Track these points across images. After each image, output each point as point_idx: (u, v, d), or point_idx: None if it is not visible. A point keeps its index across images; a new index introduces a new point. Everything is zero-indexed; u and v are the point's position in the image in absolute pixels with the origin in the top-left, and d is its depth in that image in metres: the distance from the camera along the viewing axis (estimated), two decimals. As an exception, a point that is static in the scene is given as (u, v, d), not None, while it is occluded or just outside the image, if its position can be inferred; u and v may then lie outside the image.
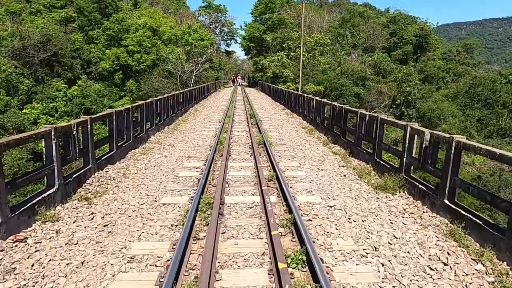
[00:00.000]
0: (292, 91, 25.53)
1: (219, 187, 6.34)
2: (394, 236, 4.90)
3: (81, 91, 40.09)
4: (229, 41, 70.92)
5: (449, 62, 63.68)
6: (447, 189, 5.88)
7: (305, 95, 19.14)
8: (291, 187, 6.83)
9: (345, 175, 8.25)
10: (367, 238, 4.77)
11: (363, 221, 5.37)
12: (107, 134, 9.18)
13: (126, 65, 43.99)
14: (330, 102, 13.69)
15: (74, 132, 6.95)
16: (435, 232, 5.30)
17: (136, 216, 5.50)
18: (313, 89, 40.35)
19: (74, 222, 5.54)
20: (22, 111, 36.47)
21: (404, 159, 7.39)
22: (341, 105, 12.24)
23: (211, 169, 7.88)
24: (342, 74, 46.11)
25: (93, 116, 7.83)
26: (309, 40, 45.99)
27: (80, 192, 6.91)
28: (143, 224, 5.15)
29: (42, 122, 36.03)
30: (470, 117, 45.46)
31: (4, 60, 37.83)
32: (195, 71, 43.27)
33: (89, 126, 7.56)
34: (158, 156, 9.86)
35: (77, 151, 7.07)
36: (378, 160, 8.73)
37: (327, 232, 4.87)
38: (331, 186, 7.20)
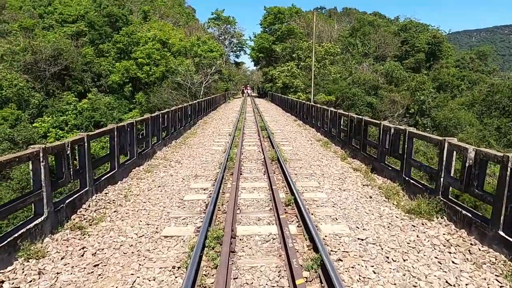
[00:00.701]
0: (303, 101, 24.73)
1: (230, 214, 5.50)
2: (447, 282, 3.95)
3: (91, 104, 40.11)
4: (238, 52, 70.90)
5: (462, 70, 62.17)
6: (502, 218, 4.91)
7: (318, 105, 18.30)
8: (312, 214, 5.93)
9: (371, 197, 7.32)
10: (415, 287, 3.83)
11: (404, 260, 4.43)
12: (108, 152, 8.47)
13: (136, 77, 44.01)
14: (347, 113, 12.80)
15: (68, 152, 6.23)
16: (493, 273, 4.33)
17: (133, 253, 4.67)
18: (324, 99, 39.50)
19: (62, 259, 4.75)
20: (33, 125, 36.55)
21: (441, 179, 6.43)
22: (360, 117, 11.34)
23: (220, 190, 7.04)
24: (354, 83, 45.18)
25: (90, 133, 7.12)
26: (319, 49, 45.35)
27: (74, 219, 6.15)
28: (140, 265, 4.31)
29: (52, 135, 36.01)
30: (488, 126, 43.90)
31: (16, 75, 38.18)
32: (204, 83, 42.95)
33: (86, 144, 6.84)
34: (163, 174, 9.09)
35: (71, 172, 6.34)
36: (407, 178, 7.78)
37: (364, 278, 3.95)
38: (358, 211, 6.27)
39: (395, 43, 59.59)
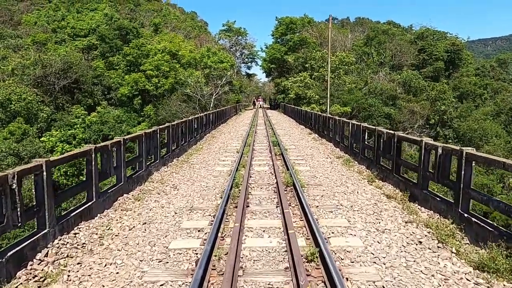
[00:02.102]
0: (319, 113, 22.97)
1: (228, 281, 3.75)
2: None
3: (99, 117, 39.27)
4: (250, 64, 69.89)
5: (483, 78, 59.36)
6: None
7: (337, 118, 16.50)
8: (347, 278, 4.12)
9: (420, 241, 5.46)
10: None
11: None
12: (84, 178, 6.88)
13: (145, 90, 43.17)
14: (374, 127, 11.00)
15: (14, 186, 4.65)
16: None
17: None
18: (339, 110, 37.61)
19: None
20: (40, 139, 35.78)
21: (527, 223, 4.55)
22: (391, 131, 9.51)
23: (218, 235, 5.31)
24: (370, 93, 43.18)
25: (52, 159, 5.54)
26: (333, 59, 43.68)
27: (19, 278, 4.53)
28: None
29: (59, 150, 35.09)
30: (517, 137, 41.24)
31: (26, 89, 37.72)
32: (214, 94, 41.71)
33: (45, 173, 5.25)
34: (154, 205, 7.43)
35: (19, 213, 4.74)
36: (465, 215, 5.89)
37: None
38: (411, 271, 4.43)
39: (412, 52, 57.33)
